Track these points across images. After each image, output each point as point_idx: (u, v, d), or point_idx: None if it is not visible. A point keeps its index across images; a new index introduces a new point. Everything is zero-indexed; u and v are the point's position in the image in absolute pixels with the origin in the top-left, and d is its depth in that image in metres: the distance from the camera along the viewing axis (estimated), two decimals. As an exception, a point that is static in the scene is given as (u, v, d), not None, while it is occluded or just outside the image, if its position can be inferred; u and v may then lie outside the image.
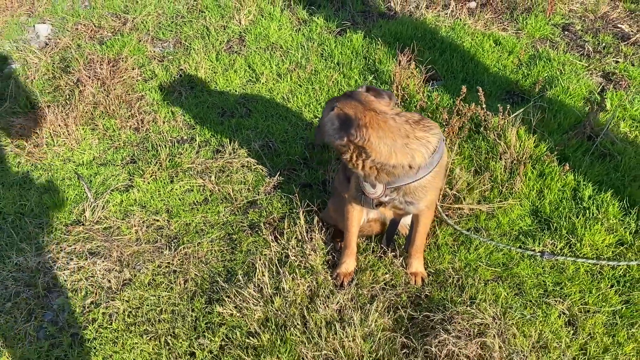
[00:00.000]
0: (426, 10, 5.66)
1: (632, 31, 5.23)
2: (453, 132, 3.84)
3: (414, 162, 2.52)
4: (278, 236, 3.29)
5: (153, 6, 5.80)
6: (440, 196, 3.47)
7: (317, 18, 5.47)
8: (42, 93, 4.49)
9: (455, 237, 3.29)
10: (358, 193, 2.81)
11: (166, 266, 3.18)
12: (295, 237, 3.26)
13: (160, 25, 5.49)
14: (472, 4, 5.83)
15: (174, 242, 3.32)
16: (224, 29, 5.41)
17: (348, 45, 5.04)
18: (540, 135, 3.86)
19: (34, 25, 5.57)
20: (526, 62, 4.79)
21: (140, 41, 5.21)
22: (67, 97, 4.40)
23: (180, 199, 3.61)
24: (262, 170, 3.80)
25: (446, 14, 5.57)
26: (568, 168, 3.50)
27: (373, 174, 2.58)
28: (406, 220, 3.25)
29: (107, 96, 4.29)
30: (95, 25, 5.49)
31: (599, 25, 5.36)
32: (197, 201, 3.61)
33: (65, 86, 4.48)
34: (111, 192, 3.61)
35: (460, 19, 5.45)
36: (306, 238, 3.23)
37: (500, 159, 3.67)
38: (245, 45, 5.17)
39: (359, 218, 3.04)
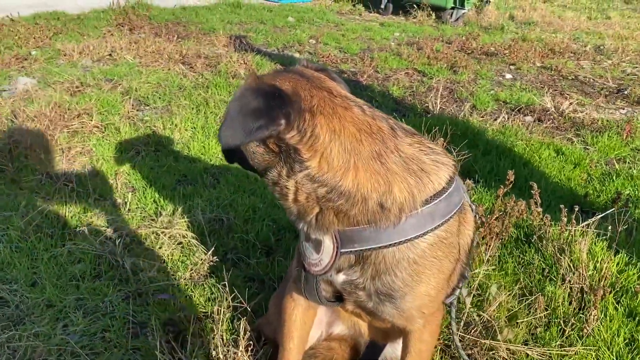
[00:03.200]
0: (470, 116, 4.66)
1: None
2: (490, 236, 2.56)
3: (390, 197, 1.25)
4: (177, 348, 1.94)
5: (156, 77, 5.07)
6: (462, 318, 2.09)
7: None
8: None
9: (480, 397, 1.86)
10: (299, 268, 1.53)
11: (-24, 363, 1.87)
12: (205, 353, 1.92)
13: (155, 93, 4.67)
14: (528, 118, 4.79)
15: (9, 327, 2.03)
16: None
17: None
18: (627, 258, 2.50)
19: (17, 78, 4.90)
20: (598, 178, 3.56)
21: (122, 102, 4.36)
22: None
23: (61, 269, 2.37)
24: (197, 249, 2.55)
25: (495, 119, 4.55)
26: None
27: (311, 213, 1.31)
28: (396, 352, 1.88)
29: (38, 137, 3.30)
30: (80, 84, 4.73)
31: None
32: (84, 275, 2.35)
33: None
34: (-36, 244, 2.43)
35: (512, 126, 4.38)
36: (222, 356, 1.88)
37: (564, 281, 2.31)
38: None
39: (303, 323, 1.69)
